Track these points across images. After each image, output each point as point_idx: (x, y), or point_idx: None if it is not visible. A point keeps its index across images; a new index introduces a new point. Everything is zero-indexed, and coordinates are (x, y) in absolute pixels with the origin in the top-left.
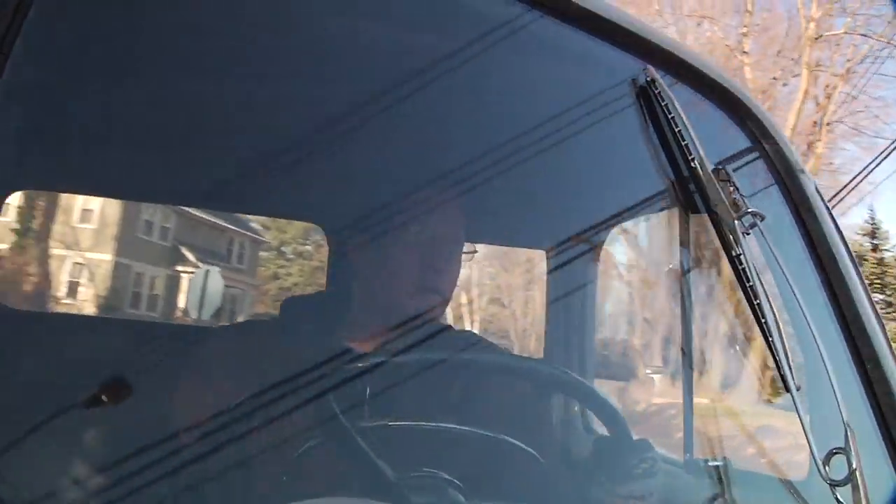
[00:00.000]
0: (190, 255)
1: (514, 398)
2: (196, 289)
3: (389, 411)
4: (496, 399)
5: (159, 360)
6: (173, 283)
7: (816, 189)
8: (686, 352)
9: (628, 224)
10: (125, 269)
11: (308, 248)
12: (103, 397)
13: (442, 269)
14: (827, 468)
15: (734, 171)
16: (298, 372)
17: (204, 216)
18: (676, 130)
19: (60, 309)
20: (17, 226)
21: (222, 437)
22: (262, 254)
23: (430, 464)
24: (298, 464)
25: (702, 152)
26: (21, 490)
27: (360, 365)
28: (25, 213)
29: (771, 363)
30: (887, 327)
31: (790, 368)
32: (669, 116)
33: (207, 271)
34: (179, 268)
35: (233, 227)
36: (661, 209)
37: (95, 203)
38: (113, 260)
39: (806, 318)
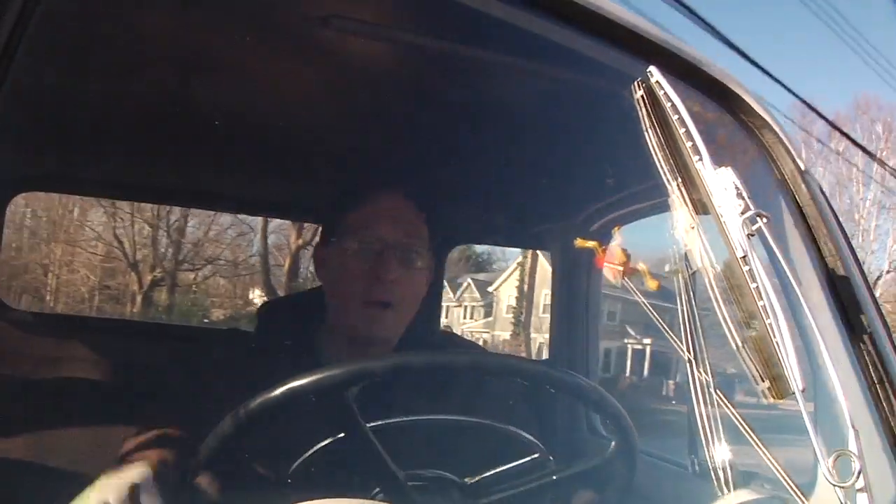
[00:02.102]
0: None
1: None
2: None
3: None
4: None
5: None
6: None
7: (820, 189)
8: (690, 353)
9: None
10: None
11: None
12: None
13: (392, 280)
14: (832, 470)
15: (739, 171)
16: (271, 377)
17: None
18: (681, 131)
19: None
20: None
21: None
22: None
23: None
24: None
25: (706, 153)
26: (22, 488)
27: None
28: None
29: (776, 364)
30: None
31: (795, 370)
32: (674, 117)
33: None
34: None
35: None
36: (665, 210)
37: None
38: None
39: (810, 319)
